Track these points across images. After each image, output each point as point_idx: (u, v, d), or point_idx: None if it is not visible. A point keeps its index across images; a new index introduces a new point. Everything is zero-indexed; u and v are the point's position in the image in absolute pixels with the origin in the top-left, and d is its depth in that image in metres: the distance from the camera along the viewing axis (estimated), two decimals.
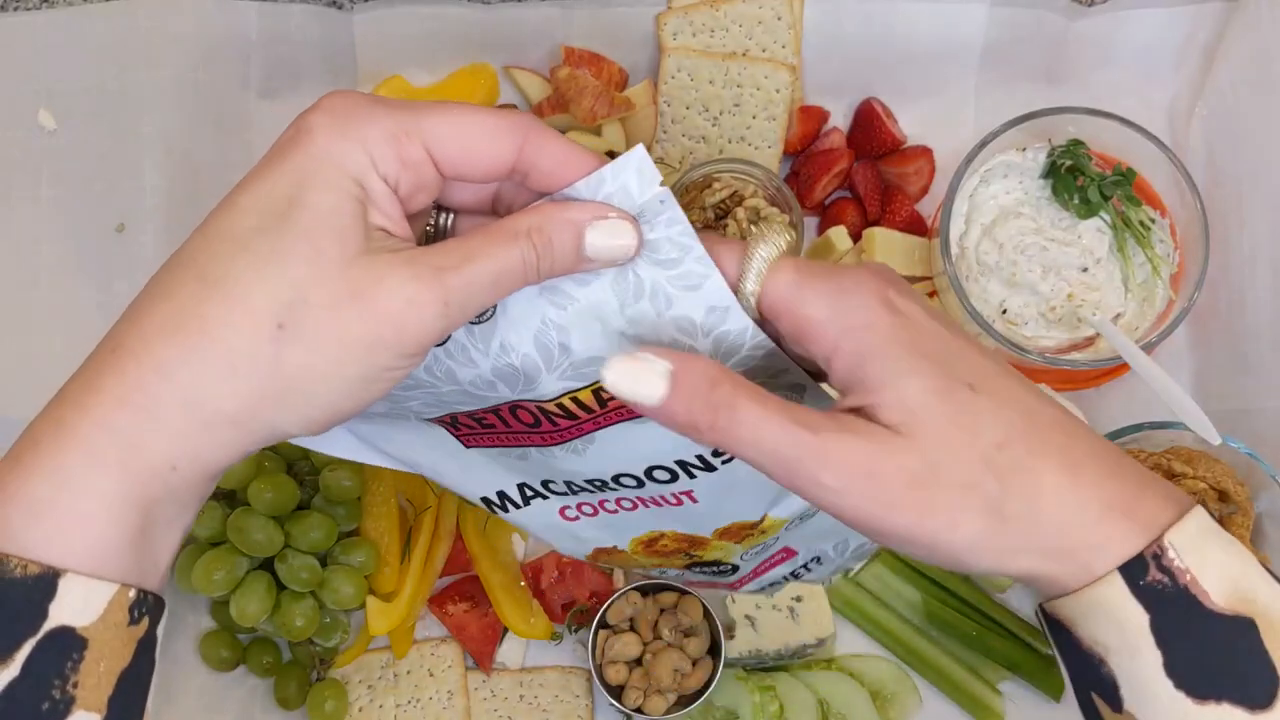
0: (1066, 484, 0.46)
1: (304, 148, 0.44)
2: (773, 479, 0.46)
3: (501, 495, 0.60)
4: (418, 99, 1.02)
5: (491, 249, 0.45)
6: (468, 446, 0.57)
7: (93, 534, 0.42)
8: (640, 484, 0.55)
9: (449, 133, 0.46)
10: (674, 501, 0.56)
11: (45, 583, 0.41)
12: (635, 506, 0.58)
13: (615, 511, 0.59)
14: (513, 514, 0.61)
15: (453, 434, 0.56)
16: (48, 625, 0.40)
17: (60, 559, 0.41)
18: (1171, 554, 0.45)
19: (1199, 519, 0.47)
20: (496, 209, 0.51)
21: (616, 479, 0.56)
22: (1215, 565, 0.46)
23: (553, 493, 0.59)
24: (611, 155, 1.02)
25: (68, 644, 0.40)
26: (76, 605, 0.41)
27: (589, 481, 0.57)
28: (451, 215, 0.52)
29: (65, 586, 0.41)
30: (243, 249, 0.43)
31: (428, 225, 0.51)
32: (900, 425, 0.45)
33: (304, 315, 0.43)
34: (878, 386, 0.45)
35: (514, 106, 1.04)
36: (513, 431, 0.54)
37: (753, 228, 0.43)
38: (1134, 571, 0.45)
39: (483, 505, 0.61)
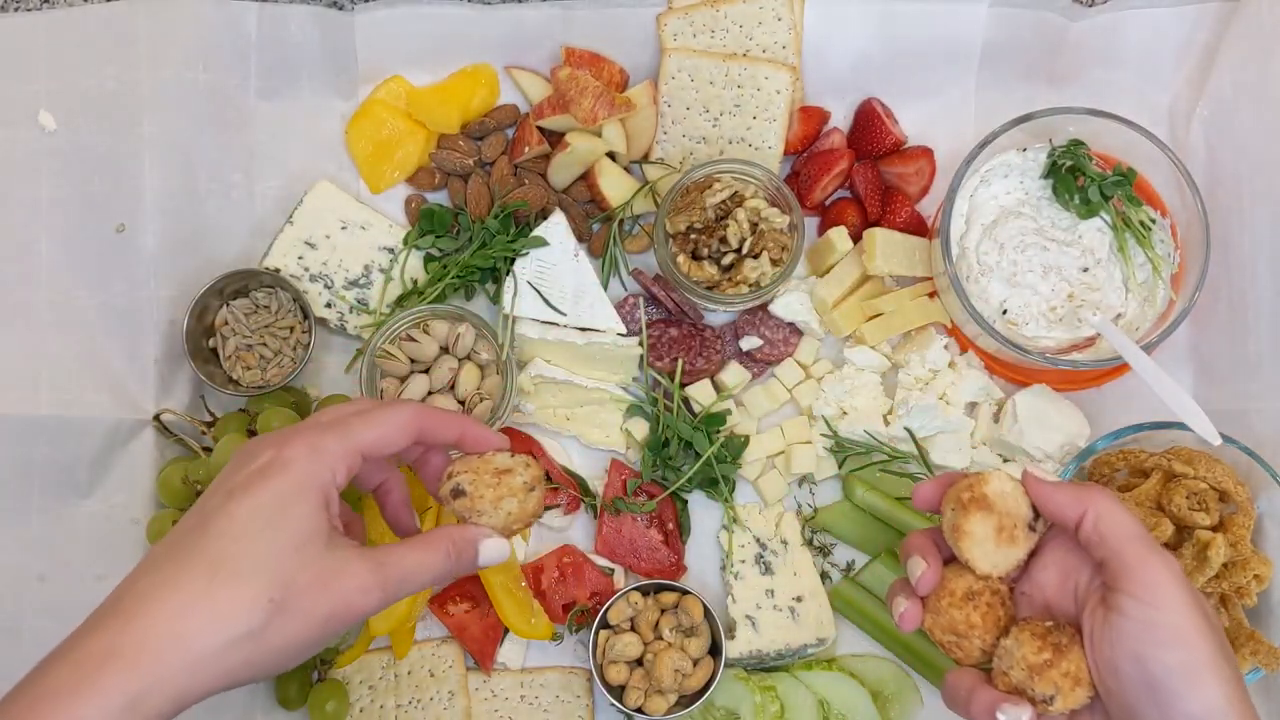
0: None
1: (288, 473, 0.64)
2: None
3: None
4: (418, 99, 1.02)
5: (422, 553, 0.68)
6: None
7: None
8: None
9: (373, 439, 0.69)
10: None
11: None
12: None
13: None
14: None
15: None
16: None
17: None
18: None
19: None
20: (404, 457, 0.77)
21: None
22: None
23: None
24: (612, 156, 1.02)
25: None
26: None
27: None
28: None
29: None
30: (245, 547, 0.61)
31: None
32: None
33: (291, 595, 0.61)
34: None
35: (514, 106, 1.04)
36: None
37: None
38: None
39: None
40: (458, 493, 0.73)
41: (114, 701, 0.56)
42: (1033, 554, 0.70)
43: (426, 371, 0.94)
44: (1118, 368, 0.99)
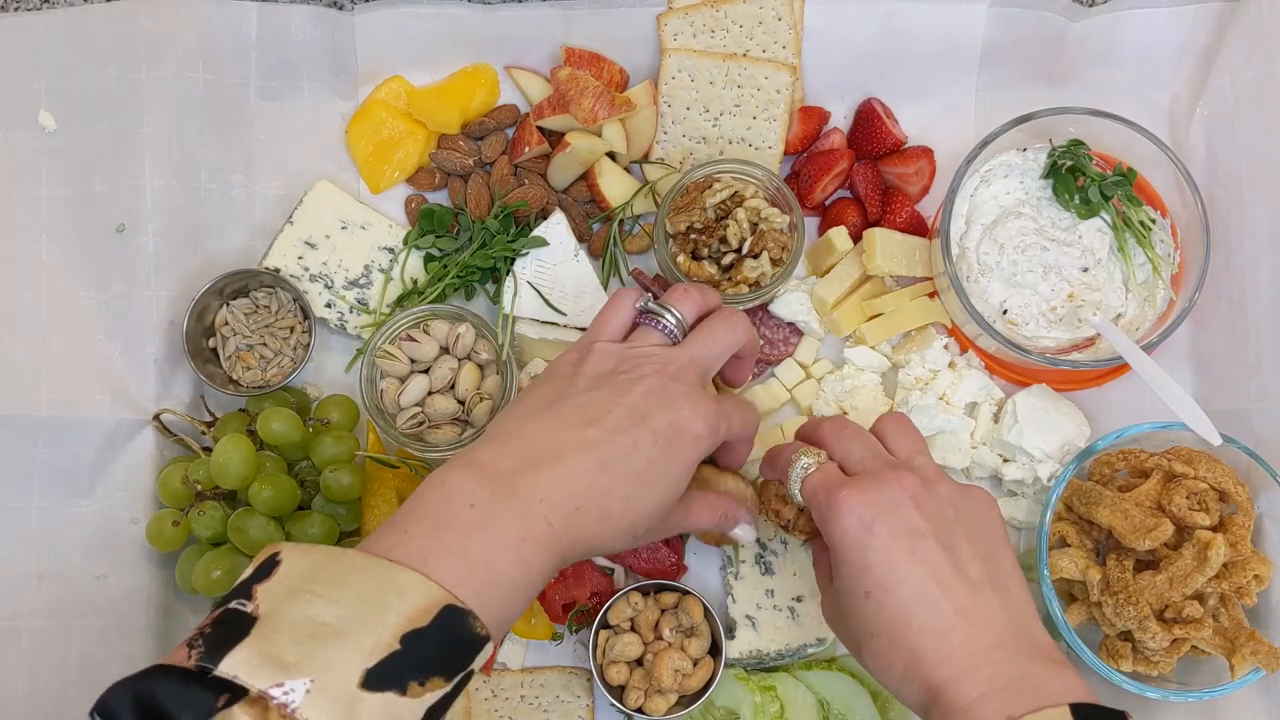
0: (908, 668, 0.71)
1: (698, 448, 0.76)
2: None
3: None
4: (418, 99, 1.02)
5: (710, 513, 0.83)
6: None
7: (510, 609, 0.67)
8: None
9: (738, 435, 0.82)
10: None
11: (483, 641, 0.63)
12: None
13: None
14: None
15: None
16: (472, 666, 0.63)
17: (488, 624, 0.64)
18: None
19: None
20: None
21: None
22: None
23: None
24: (612, 156, 1.02)
25: (469, 676, 0.64)
26: (480, 657, 0.63)
27: None
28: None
29: (485, 648, 0.64)
30: (648, 493, 0.74)
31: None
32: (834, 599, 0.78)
33: (646, 534, 0.77)
34: (832, 570, 0.78)
35: (514, 107, 1.04)
36: None
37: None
38: None
39: None
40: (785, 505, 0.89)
41: (557, 564, 0.70)
42: None
43: (426, 371, 0.94)
44: (1118, 368, 0.99)
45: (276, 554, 0.64)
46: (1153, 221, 0.98)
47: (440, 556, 0.64)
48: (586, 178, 1.02)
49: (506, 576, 0.66)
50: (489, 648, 0.64)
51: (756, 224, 0.96)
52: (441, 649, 0.61)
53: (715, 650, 0.95)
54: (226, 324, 0.99)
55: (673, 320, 0.81)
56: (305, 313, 0.99)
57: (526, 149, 1.01)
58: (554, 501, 0.69)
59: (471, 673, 0.63)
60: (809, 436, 0.84)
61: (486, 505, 0.68)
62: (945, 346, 1.00)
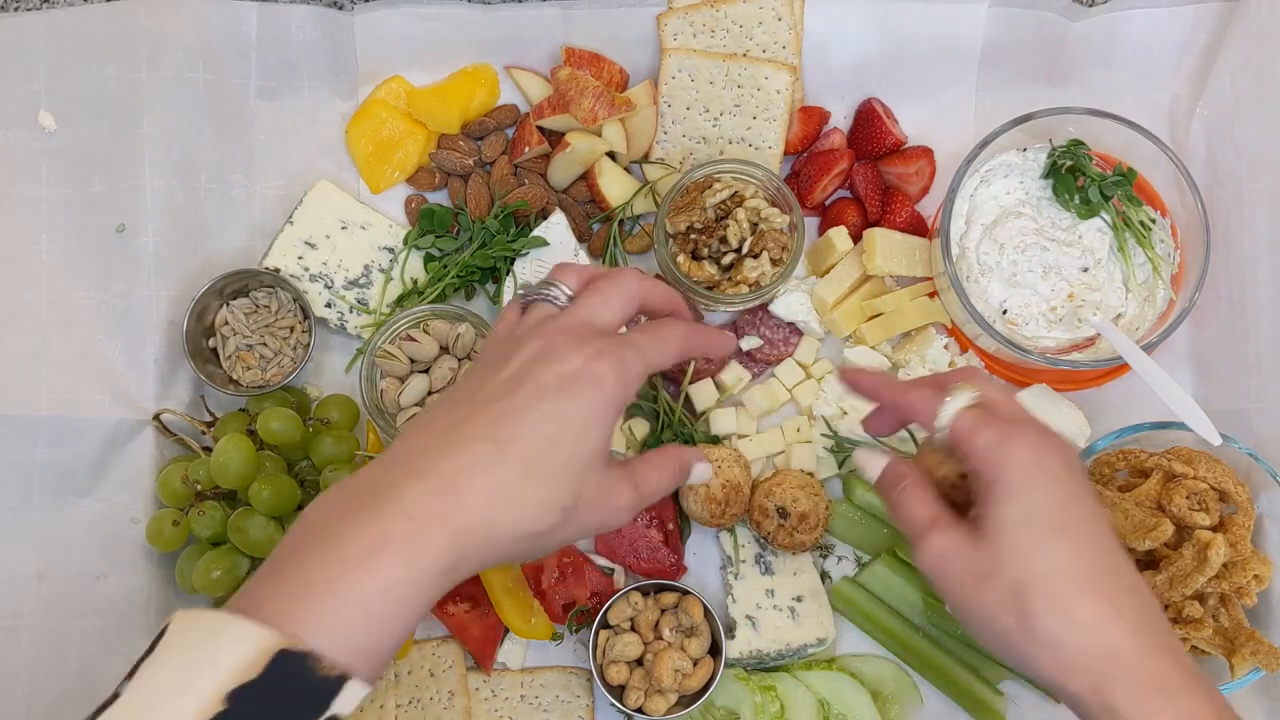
0: (1097, 619, 0.64)
1: (601, 389, 0.66)
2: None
3: None
4: (418, 99, 1.02)
5: (660, 473, 0.73)
6: None
7: (378, 630, 0.58)
8: None
9: (658, 361, 0.72)
10: None
11: (334, 681, 0.56)
12: None
13: None
14: None
15: None
16: (332, 710, 0.56)
17: (348, 664, 0.57)
18: None
19: None
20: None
21: None
22: None
23: None
24: (612, 156, 1.02)
25: None
26: (344, 699, 0.56)
27: None
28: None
29: (347, 687, 0.56)
30: (556, 452, 0.65)
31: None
32: (987, 536, 0.67)
33: (578, 506, 0.66)
34: (989, 505, 0.68)
35: (514, 106, 1.04)
36: None
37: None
38: None
39: None
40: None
41: (441, 563, 0.61)
42: None
43: (426, 371, 0.94)
44: (1118, 368, 0.99)
45: (166, 625, 0.59)
46: (1153, 221, 0.98)
47: (275, 595, 0.58)
48: (586, 178, 1.02)
49: (358, 597, 0.58)
50: (352, 686, 0.57)
51: (756, 224, 0.96)
52: (278, 700, 0.55)
53: (715, 650, 0.95)
54: (226, 324, 0.99)
55: (557, 291, 0.74)
56: (305, 313, 0.99)
57: (526, 149, 1.01)
58: (420, 494, 0.62)
59: (337, 718, 0.56)
60: (933, 384, 0.76)
61: (336, 523, 0.61)
62: (945, 346, 1.00)
